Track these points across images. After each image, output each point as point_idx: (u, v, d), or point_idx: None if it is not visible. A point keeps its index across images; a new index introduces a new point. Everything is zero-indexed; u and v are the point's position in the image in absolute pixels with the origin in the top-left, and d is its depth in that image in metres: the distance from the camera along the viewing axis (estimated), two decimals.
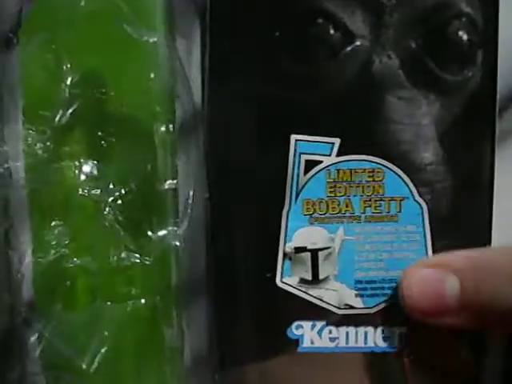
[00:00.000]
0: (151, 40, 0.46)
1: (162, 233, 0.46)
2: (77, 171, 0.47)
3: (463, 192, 0.50)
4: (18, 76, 0.50)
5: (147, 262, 0.45)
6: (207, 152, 0.50)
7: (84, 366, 0.45)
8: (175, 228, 0.46)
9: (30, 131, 0.48)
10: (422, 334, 0.51)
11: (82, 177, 0.47)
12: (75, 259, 0.46)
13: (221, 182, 0.49)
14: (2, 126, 0.50)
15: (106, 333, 0.45)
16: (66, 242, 0.47)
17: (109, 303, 0.45)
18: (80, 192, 0.47)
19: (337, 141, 0.50)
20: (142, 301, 0.46)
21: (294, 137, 0.49)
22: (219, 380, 0.50)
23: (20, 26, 0.50)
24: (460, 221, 0.50)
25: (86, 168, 0.48)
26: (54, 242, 0.47)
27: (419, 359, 0.51)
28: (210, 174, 0.49)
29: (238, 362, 0.50)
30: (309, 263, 0.50)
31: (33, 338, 0.46)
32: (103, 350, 0.45)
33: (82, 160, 0.48)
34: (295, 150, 0.50)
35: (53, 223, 0.47)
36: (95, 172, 0.47)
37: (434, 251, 0.50)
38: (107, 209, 0.46)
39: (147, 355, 0.46)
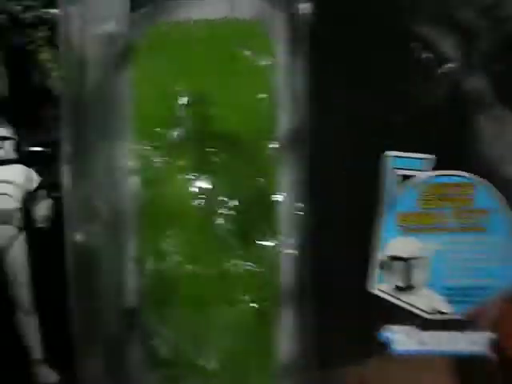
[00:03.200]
0: (265, 63, 0.50)
1: (272, 242, 0.50)
2: (190, 184, 0.51)
3: None
4: (128, 95, 0.54)
5: (258, 270, 0.49)
6: (310, 166, 0.53)
7: (203, 364, 0.49)
8: (286, 237, 0.50)
9: (146, 147, 0.52)
10: (508, 338, 0.53)
11: (195, 189, 0.51)
12: (190, 265, 0.50)
13: (322, 195, 0.53)
14: (113, 143, 0.54)
15: (222, 334, 0.49)
16: (181, 250, 0.51)
17: (223, 306, 0.49)
18: (193, 203, 0.51)
19: (429, 157, 0.53)
20: (253, 305, 0.49)
21: (389, 153, 0.53)
22: (317, 380, 0.53)
23: (130, 47, 0.54)
24: None
25: (199, 181, 0.52)
26: (170, 250, 0.51)
27: (507, 362, 0.53)
28: (312, 186, 0.53)
29: (334, 364, 0.54)
30: (402, 271, 0.54)
31: (154, 341, 0.50)
32: (220, 349, 0.48)
33: (195, 174, 0.52)
34: (390, 165, 0.53)
35: (168, 233, 0.51)
36: (207, 185, 0.51)
37: None
38: (219, 219, 0.50)
39: (255, 353, 0.50)
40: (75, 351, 0.51)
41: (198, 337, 0.49)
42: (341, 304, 0.54)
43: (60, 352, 0.51)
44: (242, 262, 0.50)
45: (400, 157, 0.53)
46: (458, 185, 0.53)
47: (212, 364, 0.49)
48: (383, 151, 0.53)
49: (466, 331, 0.53)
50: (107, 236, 0.52)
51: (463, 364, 0.53)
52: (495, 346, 0.53)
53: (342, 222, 0.53)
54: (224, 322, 0.49)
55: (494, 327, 0.53)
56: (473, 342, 0.53)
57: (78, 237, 0.52)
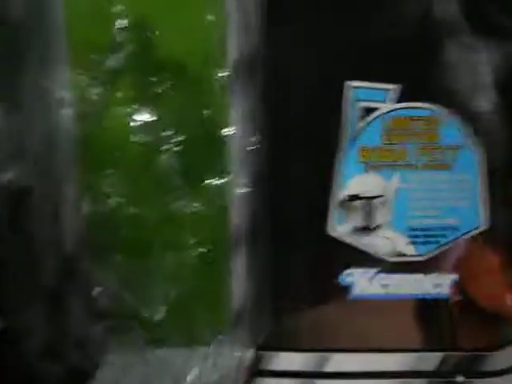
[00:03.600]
0: None
1: (222, 180, 0.45)
2: (130, 118, 0.46)
3: None
4: (59, 18, 0.48)
5: (206, 211, 0.45)
6: (263, 96, 0.48)
7: (148, 314, 0.45)
8: (236, 176, 0.45)
9: (81, 76, 0.46)
10: (471, 280, 0.51)
11: (136, 123, 0.46)
12: (132, 208, 0.46)
13: (277, 127, 0.48)
14: (49, 71, 0.48)
15: (167, 281, 0.45)
16: (122, 191, 0.46)
17: (169, 252, 0.45)
18: (134, 139, 0.46)
19: (394, 87, 0.48)
20: (202, 249, 0.45)
21: (350, 83, 0.48)
22: (274, 325, 0.50)
23: None
24: None
25: (140, 114, 0.46)
26: (109, 191, 0.46)
27: (469, 305, 0.51)
28: (266, 118, 0.48)
29: (291, 308, 0.51)
30: (362, 211, 0.50)
31: (95, 290, 0.46)
32: (166, 298, 0.44)
33: (135, 106, 0.46)
34: (352, 97, 0.49)
35: (107, 172, 0.46)
36: (150, 118, 0.46)
37: (491, 201, 0.50)
38: (163, 156, 0.45)
39: (205, 301, 0.46)
40: (12, 303, 0.46)
41: (142, 285, 0.45)
42: (297, 247, 0.50)
43: None
44: (189, 203, 0.45)
45: (363, 87, 0.49)
46: (424, 118, 0.49)
47: (158, 314, 0.45)
48: (345, 81, 0.48)
49: (429, 273, 0.50)
50: (40, 175, 0.46)
51: (425, 307, 0.50)
52: (458, 287, 0.50)
53: (300, 158, 0.49)
54: (170, 269, 0.44)
55: (457, 269, 0.50)
56: (435, 285, 0.51)
57: (8, 176, 0.46)
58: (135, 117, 0.47)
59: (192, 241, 0.45)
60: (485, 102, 0.49)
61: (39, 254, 0.47)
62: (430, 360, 0.51)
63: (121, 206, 0.46)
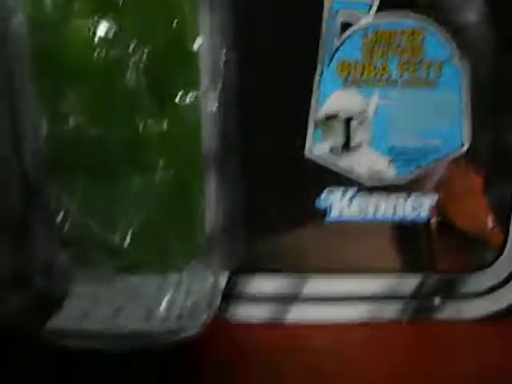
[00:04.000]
0: None
1: (191, 97, 0.42)
2: (92, 30, 0.42)
3: (507, 54, 0.47)
4: None
5: (175, 130, 0.42)
6: (234, 7, 0.45)
7: (116, 241, 0.42)
8: (206, 92, 0.42)
9: None
10: (451, 202, 0.49)
11: (99, 36, 0.42)
12: (96, 128, 0.42)
13: (250, 39, 0.45)
14: None
15: (136, 206, 0.42)
16: (84, 110, 0.42)
17: (136, 174, 0.42)
18: (97, 53, 0.42)
19: None
20: (171, 171, 0.43)
21: None
22: (249, 249, 0.48)
23: None
24: (501, 86, 0.48)
25: (102, 26, 0.43)
26: (70, 110, 0.43)
27: (447, 227, 0.50)
28: (239, 29, 0.45)
29: (266, 232, 0.49)
30: (341, 130, 0.48)
31: (59, 216, 0.43)
32: (134, 224, 0.42)
33: (97, 17, 0.42)
34: (330, 7, 0.45)
35: (68, 90, 0.43)
36: (112, 30, 0.42)
37: (474, 121, 0.47)
38: (129, 71, 0.42)
39: (176, 226, 0.44)
40: None
41: (107, 211, 0.42)
42: (272, 168, 0.48)
43: None
44: (157, 122, 0.42)
45: None
46: (407, 32, 0.46)
47: (125, 241, 0.42)
48: None
49: (409, 195, 0.49)
50: None
51: (404, 229, 0.49)
52: (437, 209, 0.49)
53: (274, 73, 0.46)
54: (138, 192, 0.42)
55: (437, 190, 0.48)
56: (415, 207, 0.49)
57: None
58: (97, 29, 0.43)
59: (161, 162, 0.42)
60: (472, 12, 0.46)
61: None
62: (408, 282, 0.50)
63: (83, 126, 0.43)
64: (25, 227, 0.45)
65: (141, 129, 0.42)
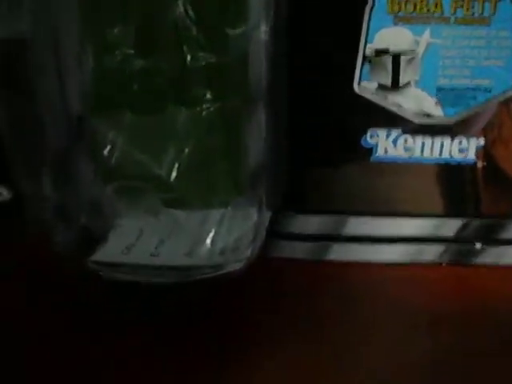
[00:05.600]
0: None
1: (240, 30, 0.41)
2: None
3: None
4: None
5: (223, 62, 0.41)
6: None
7: (163, 174, 0.42)
8: (256, 24, 0.41)
9: None
10: (499, 145, 0.48)
11: None
12: (142, 60, 0.42)
13: None
14: None
15: (182, 139, 0.42)
16: (131, 42, 0.42)
17: (183, 107, 0.41)
18: None
19: None
20: (218, 104, 0.42)
21: None
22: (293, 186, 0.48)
23: None
24: None
25: None
26: (116, 43, 0.42)
27: (493, 171, 0.49)
28: None
29: (310, 170, 0.48)
30: (390, 67, 0.47)
31: (105, 150, 0.43)
32: (180, 157, 0.42)
33: None
34: None
35: (114, 21, 0.42)
36: None
37: None
38: (178, 2, 0.41)
39: (222, 160, 0.43)
40: (19, 169, 0.43)
41: (154, 144, 0.42)
42: (319, 103, 0.47)
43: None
44: (205, 54, 0.41)
45: None
46: None
47: (172, 174, 0.42)
48: None
49: (456, 137, 0.48)
50: (37, 27, 0.42)
51: (449, 171, 0.48)
52: (484, 153, 0.48)
53: (325, 6, 0.45)
54: (184, 125, 0.41)
55: (485, 133, 0.47)
56: (461, 149, 0.48)
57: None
58: None
59: (208, 94, 0.42)
60: None
61: (43, 115, 0.44)
62: (450, 226, 0.50)
63: (130, 58, 0.42)
64: (69, 163, 0.45)
65: (188, 60, 0.41)
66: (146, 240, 0.43)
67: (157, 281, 0.42)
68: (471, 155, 0.48)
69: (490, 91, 0.47)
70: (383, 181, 0.49)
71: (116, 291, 0.42)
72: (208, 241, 0.43)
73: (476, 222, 0.50)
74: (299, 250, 0.49)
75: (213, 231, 0.43)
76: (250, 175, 0.45)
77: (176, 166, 0.42)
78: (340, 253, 0.49)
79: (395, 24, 0.46)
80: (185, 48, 0.41)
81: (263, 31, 0.42)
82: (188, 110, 0.41)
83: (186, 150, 0.42)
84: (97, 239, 0.43)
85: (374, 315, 0.45)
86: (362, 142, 0.48)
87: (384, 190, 0.49)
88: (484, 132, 0.48)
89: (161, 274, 0.42)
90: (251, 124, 0.44)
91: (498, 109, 0.47)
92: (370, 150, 0.48)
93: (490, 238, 0.50)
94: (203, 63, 0.41)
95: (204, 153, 0.43)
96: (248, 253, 0.43)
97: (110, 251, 0.42)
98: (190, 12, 0.41)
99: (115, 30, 0.41)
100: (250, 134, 0.44)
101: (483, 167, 0.49)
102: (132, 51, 0.42)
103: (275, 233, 0.48)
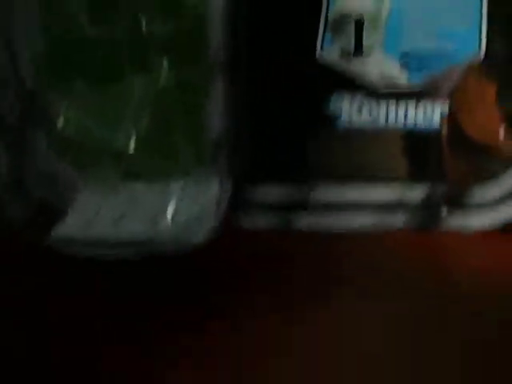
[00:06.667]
0: None
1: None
2: None
3: None
4: None
5: (181, 29, 0.39)
6: None
7: (120, 145, 0.41)
8: None
9: None
10: (464, 111, 0.48)
11: None
12: (95, 27, 0.40)
13: None
14: None
15: (139, 108, 0.40)
16: (83, 9, 0.40)
17: (139, 75, 0.40)
18: None
19: None
20: (175, 71, 0.41)
21: None
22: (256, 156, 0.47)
23: None
24: None
25: None
26: (68, 10, 0.40)
27: (459, 136, 0.48)
28: None
29: (273, 138, 0.47)
30: (352, 32, 0.45)
31: (59, 122, 0.41)
32: (138, 127, 0.40)
33: None
34: None
35: None
36: None
37: (490, 25, 0.45)
38: None
39: (181, 129, 0.42)
40: None
41: (110, 114, 0.40)
42: (280, 71, 0.46)
43: None
44: (162, 21, 0.39)
45: None
46: None
47: (130, 145, 0.41)
48: None
49: (421, 103, 0.47)
50: None
51: (415, 137, 0.48)
52: (449, 119, 0.47)
53: None
54: (140, 95, 0.40)
55: (450, 99, 0.46)
56: (426, 115, 0.48)
57: None
58: None
59: (165, 62, 0.40)
60: None
61: None
62: (416, 192, 0.49)
63: (82, 26, 0.40)
64: (23, 136, 0.43)
65: (144, 27, 0.39)
66: (106, 214, 0.42)
67: (118, 256, 0.41)
68: (436, 121, 0.48)
69: (454, 56, 0.46)
70: (348, 147, 0.48)
71: (76, 267, 0.42)
72: (169, 213, 0.42)
73: (442, 188, 0.50)
74: (265, 221, 0.48)
75: (174, 203, 0.42)
76: (210, 145, 0.44)
77: (133, 135, 0.40)
78: (306, 222, 0.49)
79: None
80: (139, 14, 0.39)
81: None
82: (144, 78, 0.40)
83: (144, 120, 0.41)
84: (54, 214, 0.42)
85: (340, 284, 0.45)
86: (326, 109, 0.47)
87: (349, 157, 0.48)
88: (449, 97, 0.47)
89: (122, 248, 0.41)
90: (211, 93, 0.43)
91: (463, 74, 0.46)
92: (334, 117, 0.47)
93: (457, 202, 0.50)
94: (159, 29, 0.39)
95: (163, 123, 0.41)
96: (211, 224, 0.42)
97: (68, 227, 0.41)
98: None
99: None
100: (209, 103, 0.43)
101: (448, 133, 0.48)
102: (84, 18, 0.40)
103: (239, 203, 0.47)
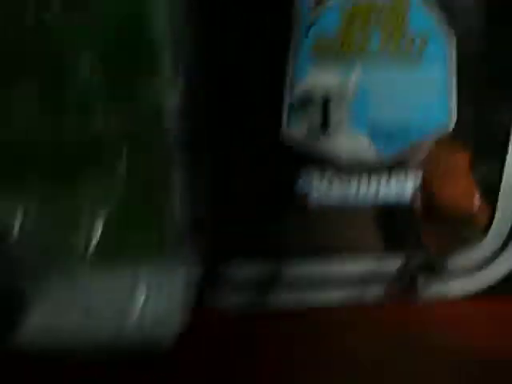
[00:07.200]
0: None
1: (152, 89, 0.38)
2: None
3: (496, 27, 0.44)
4: None
5: (135, 125, 0.38)
6: None
7: (81, 244, 0.39)
8: (168, 82, 0.38)
9: None
10: (436, 181, 0.47)
11: (46, 28, 0.38)
12: (46, 131, 0.38)
13: (212, 19, 0.41)
14: None
15: (98, 206, 0.39)
16: (33, 111, 0.38)
17: (96, 175, 0.39)
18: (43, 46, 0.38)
19: None
20: (132, 169, 0.39)
21: None
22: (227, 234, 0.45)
23: None
24: (488, 60, 0.44)
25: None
26: (17, 114, 0.38)
27: (432, 206, 0.48)
28: (200, 6, 0.41)
29: (246, 218, 0.46)
30: (318, 110, 0.44)
31: (15, 228, 0.39)
32: (98, 225, 0.39)
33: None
34: None
35: (13, 88, 0.38)
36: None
37: (459, 97, 0.44)
38: (82, 61, 0.38)
39: (143, 223, 0.41)
40: None
41: (68, 214, 0.39)
42: (244, 154, 0.45)
43: None
44: (115, 119, 0.38)
45: None
46: (389, 2, 0.42)
47: (90, 242, 0.40)
48: None
49: (391, 177, 0.46)
50: None
51: (387, 210, 0.47)
52: (421, 190, 0.46)
53: (245, 50, 0.42)
54: (98, 194, 0.39)
55: (420, 169, 0.46)
56: (398, 188, 0.47)
57: None
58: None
59: (121, 160, 0.39)
60: None
61: None
62: (392, 263, 0.49)
63: (31, 129, 0.38)
64: None
65: (97, 127, 0.38)
66: (71, 311, 0.40)
67: (85, 356, 0.40)
68: (408, 193, 0.47)
69: (423, 128, 0.45)
70: (319, 223, 0.47)
71: (43, 367, 0.40)
72: (136, 311, 0.40)
73: (418, 257, 0.49)
74: (237, 299, 0.47)
75: (141, 296, 0.41)
76: (175, 232, 0.43)
77: (94, 233, 0.39)
78: (279, 298, 0.48)
79: (322, 64, 0.43)
80: (92, 114, 0.38)
81: (176, 92, 0.39)
82: (101, 178, 0.38)
83: (104, 217, 0.39)
84: (15, 318, 0.41)
85: (315, 363, 0.44)
86: (296, 188, 0.46)
87: (321, 232, 0.47)
88: (420, 169, 0.46)
89: (88, 349, 0.40)
90: (172, 184, 0.42)
91: (432, 147, 0.46)
92: (304, 195, 0.46)
93: (434, 271, 0.49)
94: (114, 128, 0.38)
95: (123, 218, 0.40)
96: (179, 319, 0.41)
97: (33, 328, 0.40)
98: (96, 76, 0.38)
99: (15, 98, 0.38)
100: (170, 194, 0.42)
101: (421, 204, 0.47)
102: (34, 120, 0.38)
103: (210, 282, 0.46)
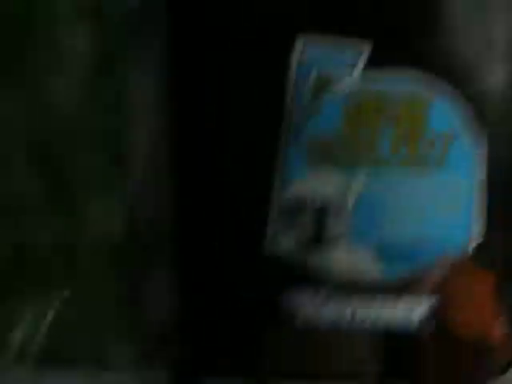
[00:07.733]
0: None
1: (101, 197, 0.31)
2: None
3: None
4: None
5: (79, 239, 0.31)
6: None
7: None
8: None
9: None
10: (453, 309, 0.39)
11: None
12: None
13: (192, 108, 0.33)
14: None
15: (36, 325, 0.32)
16: None
17: (33, 294, 0.31)
18: None
19: (365, 48, 0.34)
20: (74, 288, 0.32)
21: (301, 40, 0.33)
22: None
23: None
24: None
25: None
26: None
27: (445, 338, 0.39)
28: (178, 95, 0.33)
29: (228, 336, 0.39)
30: (312, 219, 0.37)
31: None
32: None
33: None
34: (303, 61, 0.34)
35: None
36: None
37: (490, 215, 0.36)
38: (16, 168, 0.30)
39: (116, 325, 0.34)
40: None
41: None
42: (228, 266, 0.37)
43: None
44: (54, 232, 0.31)
45: (320, 47, 0.33)
46: (404, 95, 0.34)
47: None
48: (293, 37, 0.33)
49: (398, 299, 0.38)
50: None
51: (391, 338, 0.39)
52: (434, 317, 0.38)
53: (229, 147, 0.35)
54: (35, 314, 0.31)
55: (435, 293, 0.38)
56: (405, 313, 0.38)
57: None
58: None
59: (61, 278, 0.32)
60: (494, 73, 0.34)
61: None
62: None
63: None
64: None
65: (31, 241, 0.30)
66: None
67: None
68: (416, 321, 0.39)
69: (439, 247, 0.37)
70: (309, 346, 0.39)
71: None
72: None
73: None
74: None
75: None
76: (151, 340, 0.36)
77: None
78: None
79: (317, 166, 0.35)
80: (27, 226, 0.30)
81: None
82: (39, 296, 0.31)
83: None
84: None
85: None
86: (283, 307, 0.38)
87: (310, 355, 0.39)
88: (433, 294, 0.38)
89: None
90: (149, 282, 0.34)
91: (449, 268, 0.38)
92: (291, 314, 0.38)
93: None
94: (52, 242, 0.30)
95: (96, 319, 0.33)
96: None
97: None
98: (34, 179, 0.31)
99: None
100: (147, 294, 0.34)
101: (432, 334, 0.39)
102: None
103: None
